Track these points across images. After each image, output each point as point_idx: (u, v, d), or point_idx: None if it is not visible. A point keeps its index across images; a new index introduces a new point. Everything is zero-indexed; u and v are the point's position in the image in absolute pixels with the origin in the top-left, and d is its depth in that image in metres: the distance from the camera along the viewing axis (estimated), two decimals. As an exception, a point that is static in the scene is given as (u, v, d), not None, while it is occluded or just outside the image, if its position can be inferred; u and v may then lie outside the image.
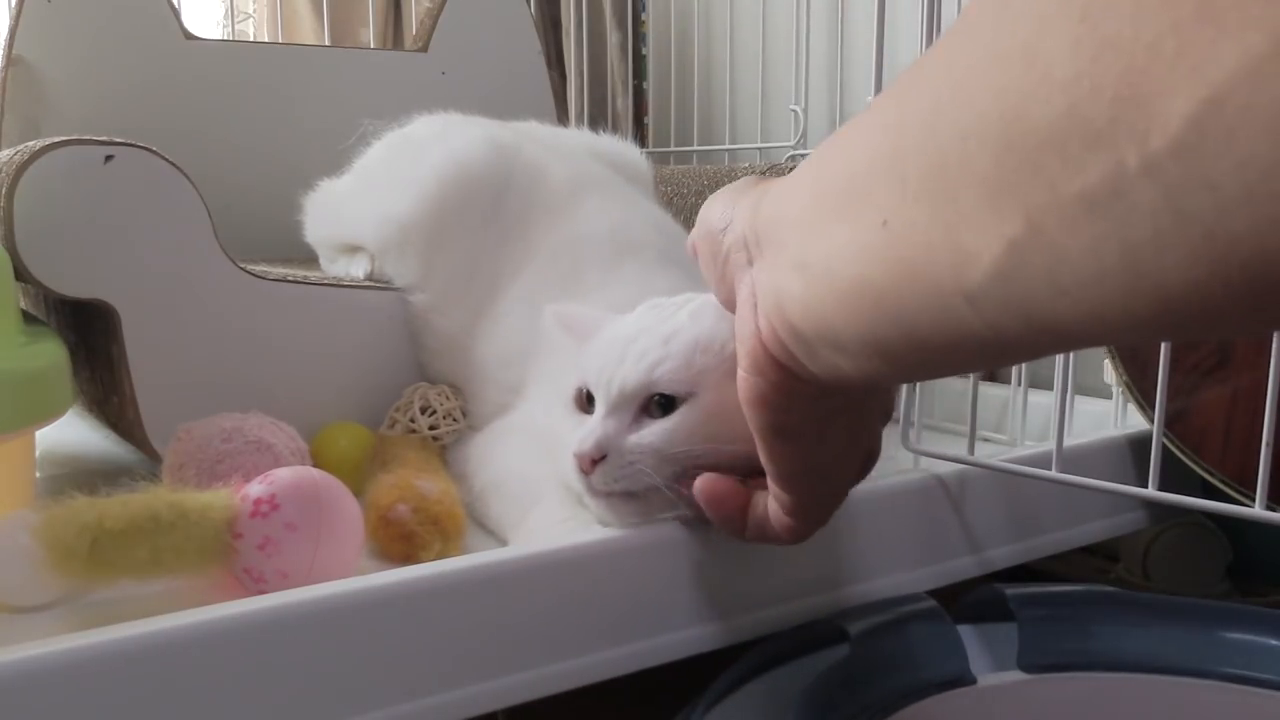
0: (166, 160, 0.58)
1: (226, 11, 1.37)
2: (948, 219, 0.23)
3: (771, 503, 0.40)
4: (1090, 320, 0.22)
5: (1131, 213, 0.19)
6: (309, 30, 1.49)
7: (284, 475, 0.46)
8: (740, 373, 0.36)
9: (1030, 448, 0.61)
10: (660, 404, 0.45)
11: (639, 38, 1.37)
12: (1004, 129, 0.21)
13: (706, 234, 0.38)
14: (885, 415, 0.41)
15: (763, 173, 0.84)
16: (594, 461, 0.44)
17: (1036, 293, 0.22)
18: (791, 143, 1.15)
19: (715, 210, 0.38)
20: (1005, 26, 0.22)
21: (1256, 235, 0.18)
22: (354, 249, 0.75)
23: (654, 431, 0.44)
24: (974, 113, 0.22)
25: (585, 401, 0.48)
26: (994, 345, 0.25)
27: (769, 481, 0.40)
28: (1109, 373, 0.67)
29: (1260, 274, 0.18)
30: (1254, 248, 0.18)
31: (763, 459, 0.38)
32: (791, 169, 0.83)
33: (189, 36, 0.97)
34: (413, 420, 0.64)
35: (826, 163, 0.30)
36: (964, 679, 0.48)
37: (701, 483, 0.42)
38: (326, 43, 1.36)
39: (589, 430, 0.46)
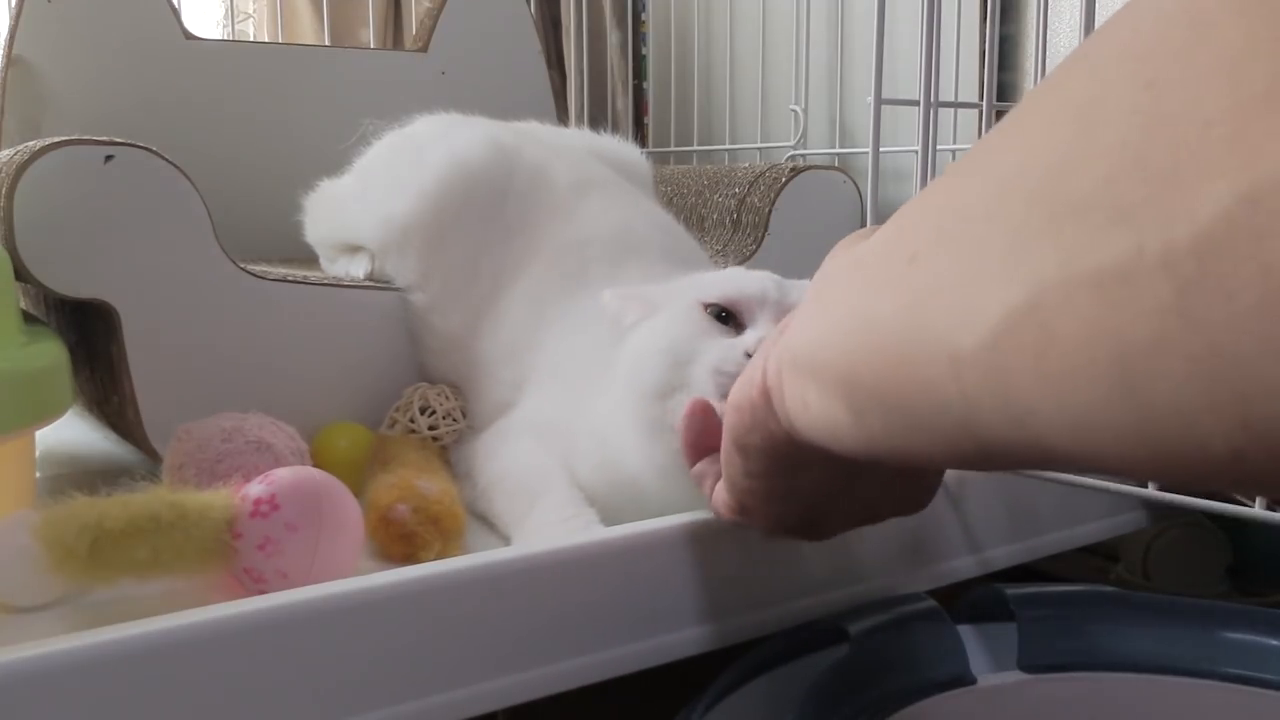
0: (166, 160, 0.58)
1: (226, 11, 1.37)
2: (964, 268, 0.22)
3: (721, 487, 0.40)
4: (1069, 430, 0.20)
5: (1136, 306, 0.17)
6: (309, 30, 1.49)
7: (284, 475, 0.46)
8: (728, 403, 0.36)
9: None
10: None
11: (639, 38, 1.37)
12: (1040, 184, 0.20)
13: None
14: (927, 490, 0.40)
15: (763, 172, 0.84)
16: None
17: (1021, 376, 0.20)
18: (791, 143, 1.15)
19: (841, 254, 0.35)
20: (1075, 81, 0.20)
21: (1264, 361, 0.15)
22: (354, 249, 0.75)
23: None
24: (1021, 161, 0.21)
25: (718, 317, 0.51)
26: (967, 430, 0.23)
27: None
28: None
29: (1258, 413, 0.16)
30: (1257, 378, 0.15)
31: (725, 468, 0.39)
32: (792, 168, 0.84)
33: (189, 36, 0.97)
34: (413, 420, 0.64)
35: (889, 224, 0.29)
36: (964, 679, 0.48)
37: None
38: (326, 43, 1.36)
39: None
